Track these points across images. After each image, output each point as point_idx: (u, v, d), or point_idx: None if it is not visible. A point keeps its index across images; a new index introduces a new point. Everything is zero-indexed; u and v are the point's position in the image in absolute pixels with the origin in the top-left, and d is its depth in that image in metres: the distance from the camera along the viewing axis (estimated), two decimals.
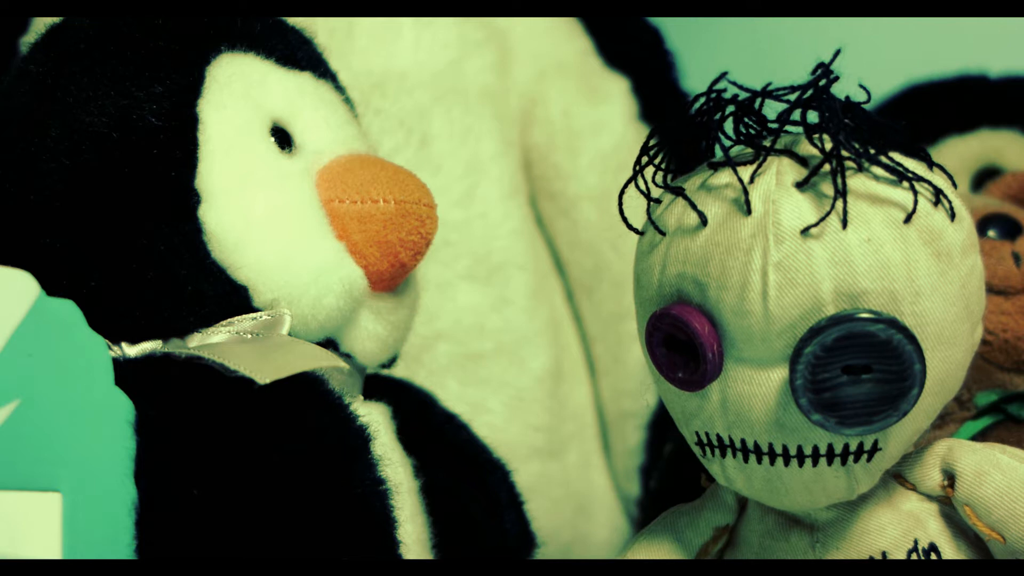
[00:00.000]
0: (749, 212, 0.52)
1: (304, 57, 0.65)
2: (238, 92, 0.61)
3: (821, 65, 0.53)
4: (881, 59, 0.90)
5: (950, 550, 0.55)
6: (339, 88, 0.67)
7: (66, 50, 0.60)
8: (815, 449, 0.53)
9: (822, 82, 0.53)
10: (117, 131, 0.58)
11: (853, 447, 0.53)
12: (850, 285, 0.51)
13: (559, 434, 0.82)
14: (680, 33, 0.89)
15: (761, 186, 0.52)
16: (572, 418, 0.83)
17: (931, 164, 0.55)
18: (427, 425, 0.67)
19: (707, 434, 0.54)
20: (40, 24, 0.64)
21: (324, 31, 0.69)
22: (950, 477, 0.55)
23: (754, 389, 0.52)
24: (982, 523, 0.54)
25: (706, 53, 0.87)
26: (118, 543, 0.53)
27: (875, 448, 0.53)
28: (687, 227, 0.53)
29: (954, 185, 0.55)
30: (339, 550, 0.55)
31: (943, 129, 0.91)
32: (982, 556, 0.55)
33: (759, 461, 0.53)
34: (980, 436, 0.66)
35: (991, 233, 0.70)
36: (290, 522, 0.54)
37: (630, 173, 0.56)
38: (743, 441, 0.53)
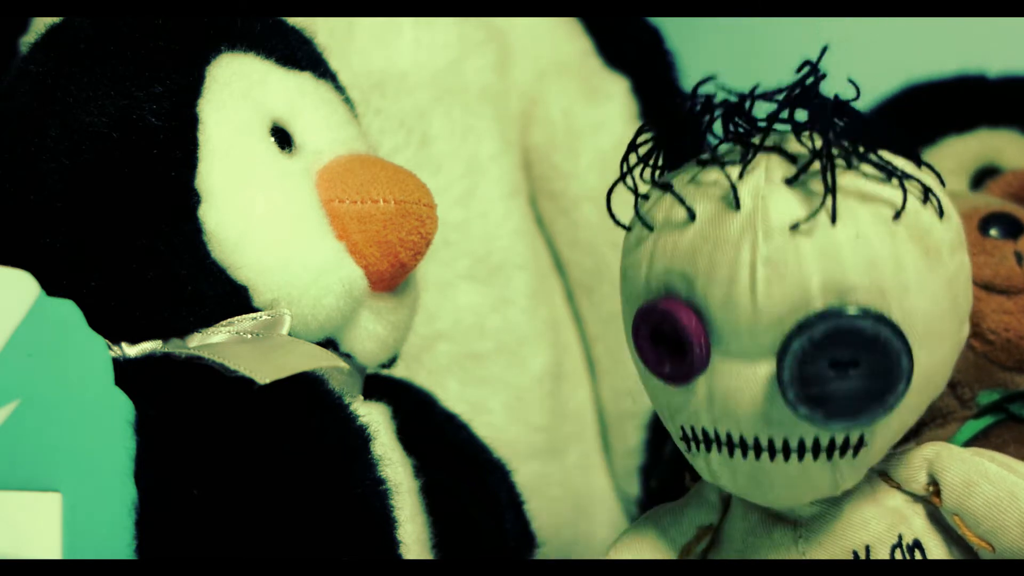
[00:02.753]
0: (739, 207, 0.52)
1: (304, 57, 0.65)
2: (238, 92, 0.61)
3: (808, 63, 0.54)
4: (880, 59, 0.90)
5: (935, 547, 0.55)
6: (339, 88, 0.67)
7: (66, 50, 0.60)
8: (800, 443, 0.52)
9: (809, 80, 0.53)
10: (117, 131, 0.58)
11: (839, 441, 0.53)
12: (838, 280, 0.51)
13: (559, 434, 0.82)
14: (680, 33, 0.89)
15: (750, 182, 0.52)
16: (572, 418, 0.83)
17: (920, 163, 0.55)
18: (427, 425, 0.67)
19: (692, 428, 0.54)
20: (40, 24, 0.64)
21: (324, 31, 0.69)
22: (936, 483, 0.55)
23: (741, 383, 0.52)
24: (971, 533, 0.54)
25: (706, 53, 0.87)
26: (118, 543, 0.53)
27: (860, 443, 0.53)
28: (675, 222, 0.53)
29: (943, 183, 0.55)
30: (339, 550, 0.55)
31: (942, 129, 0.92)
32: (967, 554, 0.55)
33: (744, 455, 0.53)
34: (982, 435, 0.66)
35: (993, 232, 0.70)
36: (290, 522, 0.54)
37: None
38: (728, 435, 0.53)
